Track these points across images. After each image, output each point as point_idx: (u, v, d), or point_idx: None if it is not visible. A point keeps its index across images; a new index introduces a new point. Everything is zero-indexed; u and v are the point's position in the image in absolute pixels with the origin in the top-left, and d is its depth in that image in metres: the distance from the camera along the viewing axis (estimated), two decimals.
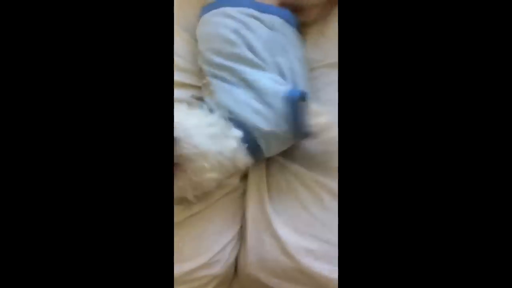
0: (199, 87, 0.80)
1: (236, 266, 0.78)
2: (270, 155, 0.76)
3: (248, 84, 0.72)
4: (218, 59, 0.75)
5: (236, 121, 0.71)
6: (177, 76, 0.80)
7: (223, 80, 0.74)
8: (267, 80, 0.72)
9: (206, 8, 0.81)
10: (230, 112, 0.71)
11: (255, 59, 0.73)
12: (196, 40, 0.82)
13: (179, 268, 0.71)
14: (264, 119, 0.70)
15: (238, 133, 0.70)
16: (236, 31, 0.74)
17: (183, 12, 0.84)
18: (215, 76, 0.75)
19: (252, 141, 0.71)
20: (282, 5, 0.80)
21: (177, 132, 0.63)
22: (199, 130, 0.67)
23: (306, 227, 0.71)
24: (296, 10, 0.83)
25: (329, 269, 0.67)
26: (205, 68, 0.77)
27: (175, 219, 0.72)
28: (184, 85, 0.80)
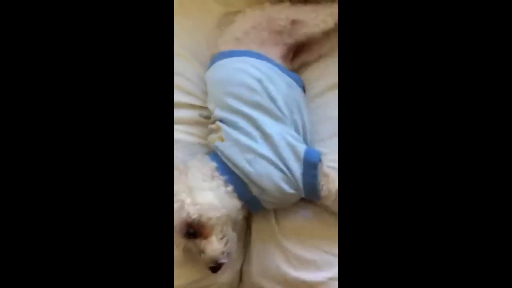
0: (206, 107, 0.85)
1: (241, 274, 0.82)
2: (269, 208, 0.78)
3: (264, 136, 0.72)
4: (236, 103, 0.74)
5: (239, 178, 0.72)
6: (186, 99, 0.84)
7: (235, 127, 0.74)
8: (286, 134, 0.73)
9: (220, 55, 0.82)
10: (238, 168, 0.72)
11: (276, 111, 0.74)
12: (203, 66, 0.86)
13: (187, 276, 0.75)
14: (280, 181, 0.71)
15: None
16: (260, 81, 0.75)
17: (192, 39, 0.89)
18: (227, 122, 0.75)
19: (253, 201, 0.74)
20: (286, 52, 0.83)
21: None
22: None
23: (308, 238, 0.76)
24: (298, 50, 0.86)
25: (329, 278, 0.72)
26: (217, 112, 0.77)
27: None
28: (192, 106, 0.85)
